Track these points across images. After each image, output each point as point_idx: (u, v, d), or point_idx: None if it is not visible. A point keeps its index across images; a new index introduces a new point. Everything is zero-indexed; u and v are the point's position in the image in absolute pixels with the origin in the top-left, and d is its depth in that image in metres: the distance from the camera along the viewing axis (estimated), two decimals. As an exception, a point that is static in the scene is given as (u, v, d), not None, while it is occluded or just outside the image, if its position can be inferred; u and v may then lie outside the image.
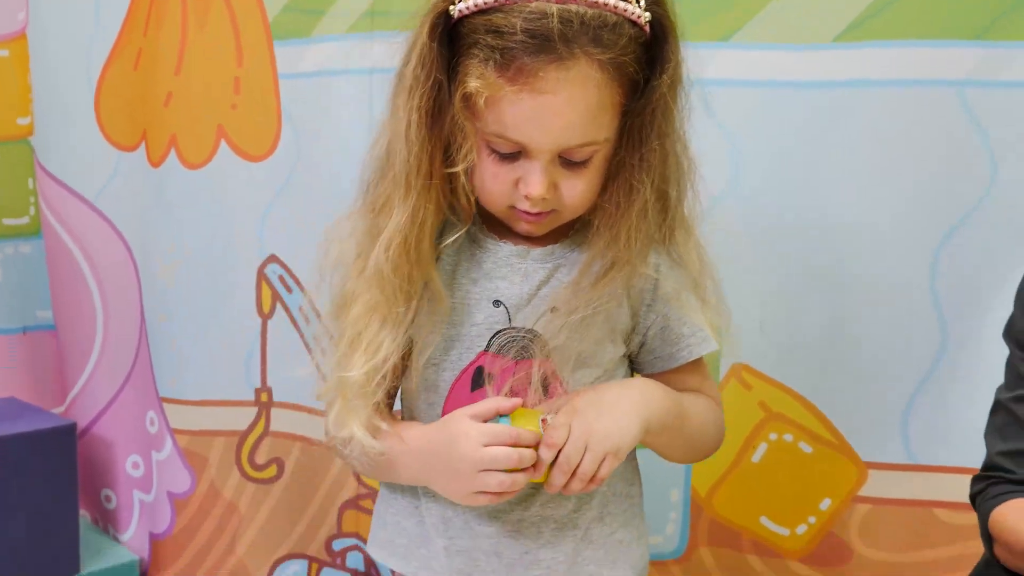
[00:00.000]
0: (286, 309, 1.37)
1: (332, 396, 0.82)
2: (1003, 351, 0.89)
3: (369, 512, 1.39)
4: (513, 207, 0.79)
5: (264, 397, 1.42)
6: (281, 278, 1.37)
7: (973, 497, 0.88)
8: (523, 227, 0.81)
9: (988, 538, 0.85)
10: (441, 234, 0.81)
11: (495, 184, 0.78)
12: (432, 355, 0.82)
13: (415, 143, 0.75)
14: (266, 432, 1.43)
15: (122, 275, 1.51)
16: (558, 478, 0.77)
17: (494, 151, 0.76)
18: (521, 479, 0.76)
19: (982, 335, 1.06)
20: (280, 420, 1.42)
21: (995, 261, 1.06)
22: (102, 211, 1.53)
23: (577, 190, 0.78)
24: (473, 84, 0.72)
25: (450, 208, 0.81)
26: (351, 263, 0.81)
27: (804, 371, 1.16)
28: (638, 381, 0.84)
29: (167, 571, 1.53)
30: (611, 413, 0.78)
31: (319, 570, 1.45)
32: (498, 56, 0.71)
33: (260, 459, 1.44)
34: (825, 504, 1.17)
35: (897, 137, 1.07)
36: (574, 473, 0.76)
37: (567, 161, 0.76)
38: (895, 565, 1.16)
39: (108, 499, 1.62)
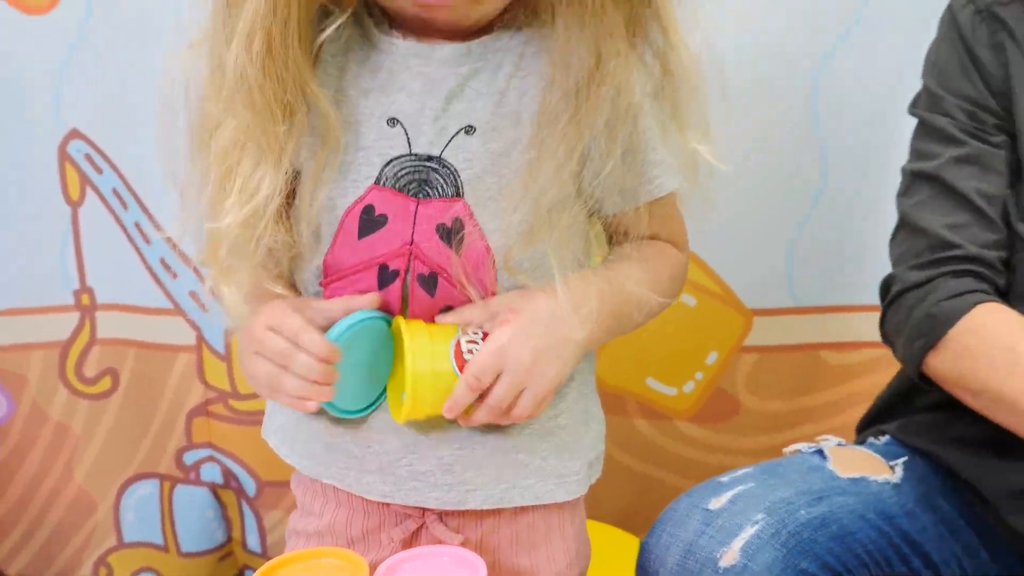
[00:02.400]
0: (98, 193, 1.18)
1: (205, 256, 0.66)
2: (883, 182, 0.83)
3: (221, 418, 1.26)
4: None
5: (86, 299, 1.24)
6: (88, 157, 1.17)
7: (914, 287, 0.73)
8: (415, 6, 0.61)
9: (928, 334, 0.71)
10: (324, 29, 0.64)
11: None
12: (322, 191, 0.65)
13: None
14: (93, 340, 1.26)
15: None
16: (483, 416, 0.65)
17: None
18: (313, 392, 0.64)
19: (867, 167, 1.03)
20: (108, 324, 1.25)
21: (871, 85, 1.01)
22: None
23: None
24: None
25: None
26: (205, 83, 0.64)
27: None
28: (574, 282, 0.67)
29: (-5, 507, 1.35)
30: (551, 345, 0.65)
31: (172, 488, 1.31)
32: None
33: (89, 372, 1.27)
34: (712, 358, 1.13)
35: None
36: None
37: None
38: (782, 415, 1.14)
39: (-86, 436, 1.41)
